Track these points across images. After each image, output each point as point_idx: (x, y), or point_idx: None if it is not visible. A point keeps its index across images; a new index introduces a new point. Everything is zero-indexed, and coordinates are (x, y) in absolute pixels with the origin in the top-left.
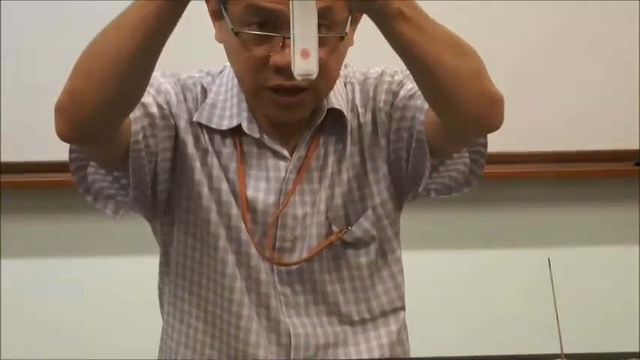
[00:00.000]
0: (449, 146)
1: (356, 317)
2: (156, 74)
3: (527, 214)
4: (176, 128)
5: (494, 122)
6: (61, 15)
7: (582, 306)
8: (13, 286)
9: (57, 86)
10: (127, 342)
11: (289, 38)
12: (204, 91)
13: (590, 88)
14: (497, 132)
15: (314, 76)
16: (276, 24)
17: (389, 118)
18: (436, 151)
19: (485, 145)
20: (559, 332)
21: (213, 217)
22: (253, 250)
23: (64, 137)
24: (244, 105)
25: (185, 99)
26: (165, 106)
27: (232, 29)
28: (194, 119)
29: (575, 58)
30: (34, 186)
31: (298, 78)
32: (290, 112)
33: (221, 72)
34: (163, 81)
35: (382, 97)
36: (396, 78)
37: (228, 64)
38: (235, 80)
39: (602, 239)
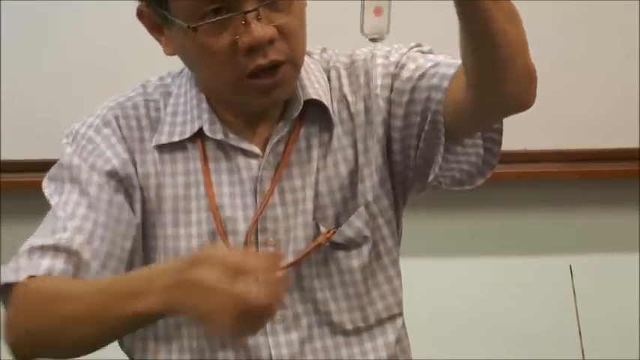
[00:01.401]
0: (469, 128)
1: (349, 326)
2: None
3: (529, 217)
4: (133, 180)
5: (531, 99)
6: (61, 14)
7: (601, 313)
8: None
9: (57, 83)
10: None
11: (251, 11)
12: (165, 98)
13: (594, 86)
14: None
15: (384, 37)
16: (229, 4)
17: (389, 103)
18: (451, 133)
19: (500, 132)
20: (580, 340)
21: (183, 243)
22: None
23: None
24: (204, 106)
25: (129, 129)
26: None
27: (188, 27)
28: (153, 144)
29: (575, 57)
30: (35, 186)
31: (368, 37)
32: (275, 92)
33: (181, 72)
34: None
35: (378, 82)
36: (392, 59)
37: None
38: (192, 81)
39: (620, 244)
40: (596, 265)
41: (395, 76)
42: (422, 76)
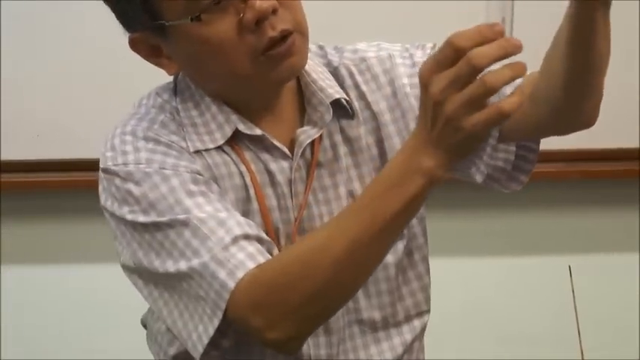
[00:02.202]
0: (516, 138)
1: (379, 323)
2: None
3: (529, 217)
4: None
5: (596, 119)
6: (61, 14)
7: (600, 313)
8: (13, 293)
9: (57, 83)
10: (133, 349)
11: None
12: (172, 112)
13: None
14: None
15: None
16: None
17: (419, 101)
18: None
19: (539, 141)
20: (579, 340)
21: None
22: None
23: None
24: (226, 108)
25: (179, 144)
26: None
27: (191, 19)
28: (191, 150)
29: None
30: (35, 186)
31: None
32: (292, 60)
33: (174, 88)
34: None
35: (404, 80)
36: (417, 59)
37: (178, 78)
38: (200, 91)
39: (620, 244)
40: (596, 265)
41: None
42: None
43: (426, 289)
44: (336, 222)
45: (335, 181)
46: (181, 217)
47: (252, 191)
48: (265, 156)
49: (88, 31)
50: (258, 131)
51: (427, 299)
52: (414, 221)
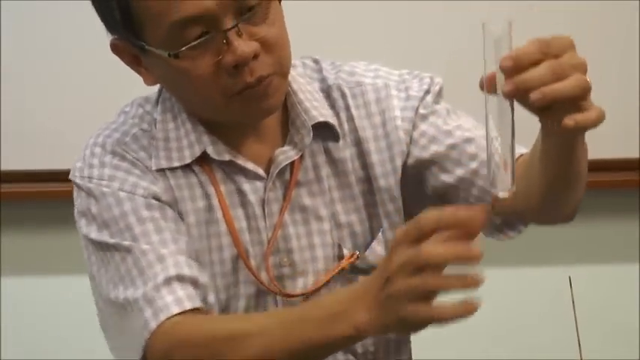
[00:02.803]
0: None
1: (360, 349)
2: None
3: (528, 227)
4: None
5: (574, 215)
6: (63, 27)
7: (600, 323)
8: (13, 303)
9: (58, 92)
10: None
11: (231, 29)
12: (151, 126)
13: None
14: None
15: (513, 190)
16: (207, 25)
17: (409, 137)
18: None
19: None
20: (579, 351)
21: (207, 270)
22: (261, 287)
23: None
24: (201, 128)
25: (141, 163)
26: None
27: (169, 54)
28: (153, 168)
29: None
30: (36, 197)
31: (500, 194)
32: (265, 102)
33: (160, 95)
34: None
35: (396, 113)
36: (412, 93)
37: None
38: (178, 105)
39: (620, 255)
40: (596, 276)
41: (422, 118)
42: (469, 140)
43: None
44: (267, 319)
45: (315, 202)
46: (127, 243)
47: (219, 213)
48: (238, 176)
49: (89, 43)
50: (226, 157)
51: (408, 350)
52: None
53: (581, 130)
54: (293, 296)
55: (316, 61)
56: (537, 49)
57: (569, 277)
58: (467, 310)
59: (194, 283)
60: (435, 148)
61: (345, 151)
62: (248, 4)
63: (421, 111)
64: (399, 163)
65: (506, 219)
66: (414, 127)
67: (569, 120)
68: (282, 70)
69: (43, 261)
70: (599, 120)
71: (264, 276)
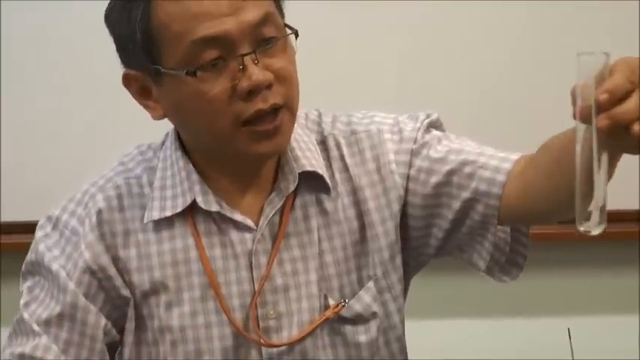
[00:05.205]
0: (507, 223)
1: None
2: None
3: (528, 278)
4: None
5: None
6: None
7: None
8: None
9: (60, 144)
10: None
11: (248, 54)
12: (149, 174)
13: None
14: None
15: (604, 227)
16: (226, 48)
17: (406, 180)
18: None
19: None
20: None
21: (187, 320)
22: (241, 339)
23: None
24: (195, 177)
25: (111, 233)
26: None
27: (187, 73)
28: (145, 221)
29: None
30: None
31: (587, 232)
32: (276, 138)
33: (162, 144)
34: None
35: (390, 157)
36: (406, 135)
37: (169, 131)
38: (179, 152)
39: (619, 306)
40: (596, 327)
41: (415, 154)
42: (464, 163)
43: None
44: None
45: (305, 253)
46: (22, 302)
47: (197, 265)
48: (227, 225)
49: (86, 118)
50: (214, 207)
51: None
52: (389, 298)
53: None
54: (277, 346)
55: (320, 114)
56: (626, 78)
57: (569, 329)
58: None
59: None
60: (434, 180)
61: (337, 201)
62: (265, 34)
63: (414, 147)
64: (396, 208)
65: (508, 258)
66: (411, 166)
67: None
68: (292, 105)
69: None
70: None
71: (248, 327)
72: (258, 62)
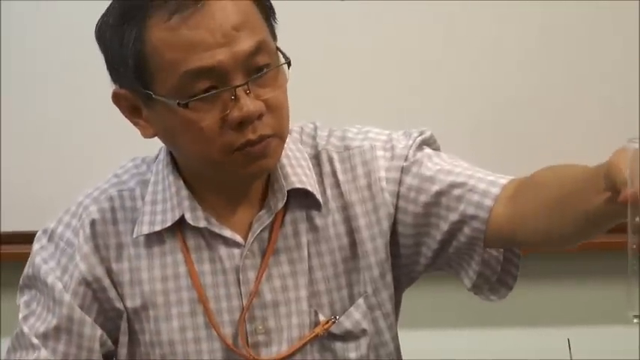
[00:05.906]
0: (498, 246)
1: None
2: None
3: (527, 289)
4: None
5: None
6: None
7: None
8: None
9: (60, 154)
10: None
11: (239, 86)
12: (142, 187)
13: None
14: None
15: None
16: (218, 80)
17: (396, 198)
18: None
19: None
20: None
21: (176, 335)
22: (230, 354)
23: None
24: (184, 193)
25: (104, 246)
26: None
27: (178, 103)
28: (134, 236)
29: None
30: None
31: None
32: (263, 162)
33: (156, 157)
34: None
35: (381, 174)
36: (397, 152)
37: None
38: (169, 167)
39: (618, 317)
40: (595, 338)
41: (406, 171)
42: (453, 185)
43: None
44: None
45: (294, 269)
46: (21, 315)
47: (187, 280)
48: (216, 241)
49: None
50: (202, 223)
51: None
52: (379, 315)
53: None
54: None
55: (316, 127)
56: None
57: (568, 340)
58: None
59: None
60: (423, 199)
61: (328, 218)
62: (259, 63)
63: (404, 165)
64: (386, 225)
65: (499, 277)
66: (401, 183)
67: None
68: (282, 133)
69: None
70: None
71: (237, 342)
72: (250, 92)
